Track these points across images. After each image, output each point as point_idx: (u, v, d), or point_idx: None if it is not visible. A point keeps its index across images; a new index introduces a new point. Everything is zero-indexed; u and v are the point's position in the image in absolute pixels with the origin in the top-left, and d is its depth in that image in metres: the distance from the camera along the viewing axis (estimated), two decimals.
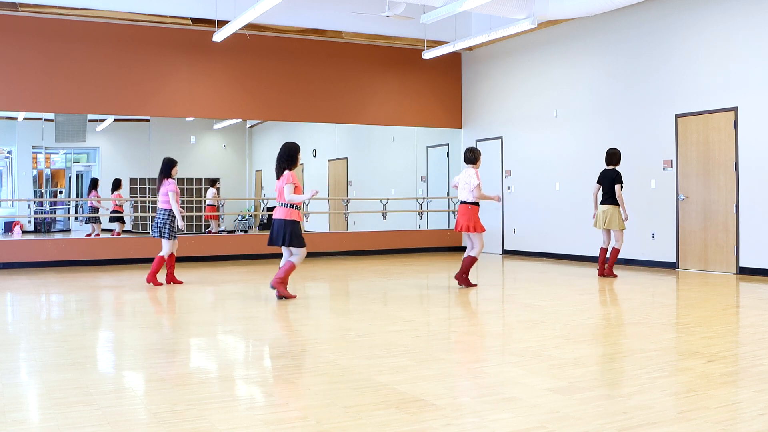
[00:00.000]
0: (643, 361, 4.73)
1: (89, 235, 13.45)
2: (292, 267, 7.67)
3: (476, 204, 8.70)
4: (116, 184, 13.77)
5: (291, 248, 7.63)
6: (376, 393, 3.98)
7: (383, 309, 7.31)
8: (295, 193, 7.50)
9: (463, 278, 8.72)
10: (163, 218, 9.02)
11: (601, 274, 9.83)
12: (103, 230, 13.86)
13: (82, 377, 4.41)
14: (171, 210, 9.01)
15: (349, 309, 7.44)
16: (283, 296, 7.69)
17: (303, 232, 7.80)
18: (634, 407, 3.66)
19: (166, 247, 9.07)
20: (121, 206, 13.86)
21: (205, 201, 14.95)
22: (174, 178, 9.13)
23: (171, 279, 9.29)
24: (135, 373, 4.67)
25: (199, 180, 15.40)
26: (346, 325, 6.36)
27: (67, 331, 6.20)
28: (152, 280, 9.13)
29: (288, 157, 7.62)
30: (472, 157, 8.81)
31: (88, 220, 13.77)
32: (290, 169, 7.59)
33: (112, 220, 13.87)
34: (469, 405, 3.76)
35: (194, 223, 15.22)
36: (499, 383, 4.18)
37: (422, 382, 4.24)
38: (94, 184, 14.21)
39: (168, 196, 8.99)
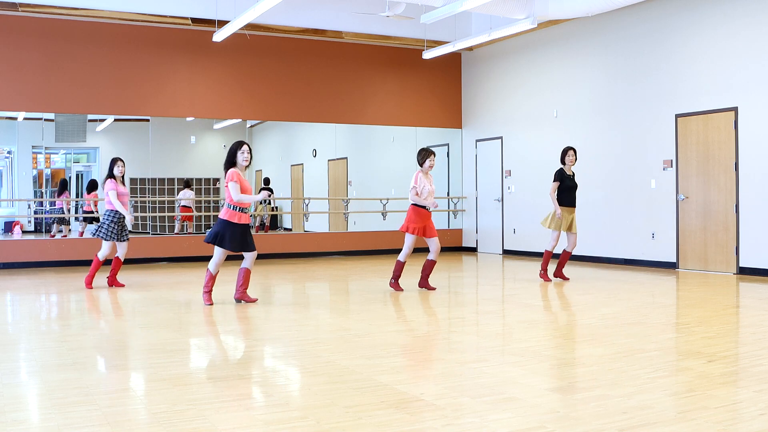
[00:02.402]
0: (643, 361, 4.73)
1: (53, 236, 13.24)
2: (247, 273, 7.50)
3: (413, 205, 8.39)
4: (92, 186, 13.72)
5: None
6: (376, 393, 3.98)
7: (383, 309, 7.31)
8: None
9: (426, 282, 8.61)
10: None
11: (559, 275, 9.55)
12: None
13: (82, 377, 4.41)
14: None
15: (349, 309, 7.44)
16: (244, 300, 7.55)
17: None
18: (634, 407, 3.66)
19: (109, 249, 8.90)
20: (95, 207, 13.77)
21: (179, 202, 14.81)
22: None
23: (108, 282, 9.06)
24: (135, 373, 4.67)
25: (199, 180, 15.40)
26: (346, 325, 6.36)
27: (67, 331, 6.20)
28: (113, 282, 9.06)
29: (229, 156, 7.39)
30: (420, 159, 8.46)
31: (57, 221, 13.67)
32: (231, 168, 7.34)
33: (85, 220, 13.79)
34: (469, 405, 3.76)
35: (203, 224, 15.22)
36: (499, 383, 4.18)
37: (422, 382, 4.24)
38: (64, 185, 14.18)
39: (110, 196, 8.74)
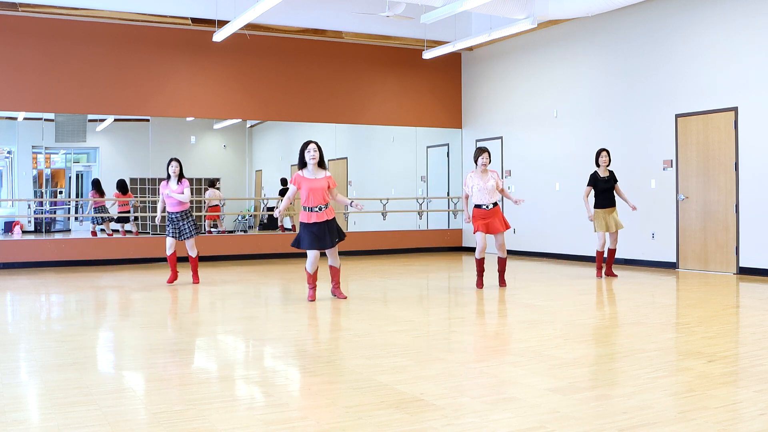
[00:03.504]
0: (643, 361, 4.73)
1: (111, 234, 13.59)
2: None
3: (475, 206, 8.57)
4: (124, 186, 13.85)
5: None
6: (376, 393, 3.98)
7: (383, 309, 7.31)
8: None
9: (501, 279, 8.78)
10: None
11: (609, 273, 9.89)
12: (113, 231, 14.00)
13: (82, 377, 4.41)
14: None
15: (349, 309, 7.44)
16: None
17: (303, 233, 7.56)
18: (634, 407, 3.66)
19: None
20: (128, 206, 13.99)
21: (206, 202, 14.88)
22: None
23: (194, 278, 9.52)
24: (135, 373, 4.67)
25: (199, 180, 15.39)
26: (346, 325, 6.36)
27: (67, 331, 6.20)
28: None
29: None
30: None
31: (111, 220, 13.93)
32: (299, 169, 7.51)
33: (120, 220, 13.96)
34: (469, 405, 3.76)
35: (202, 223, 15.24)
36: (499, 383, 4.18)
37: (422, 382, 4.24)
38: (99, 185, 14.27)
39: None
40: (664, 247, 10.95)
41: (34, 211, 13.68)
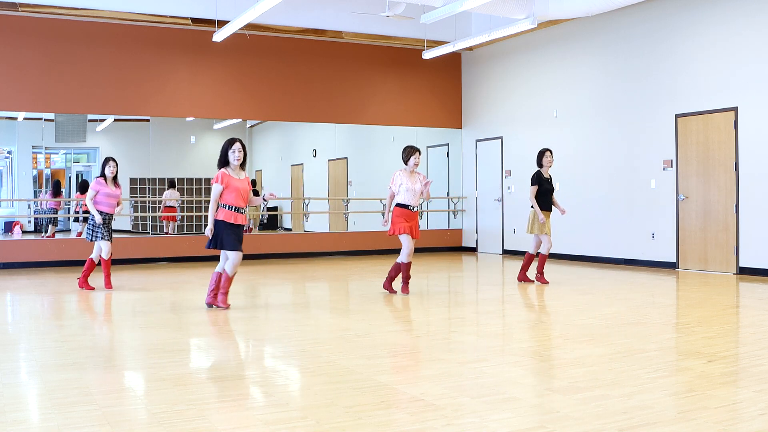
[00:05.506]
0: (643, 361, 4.73)
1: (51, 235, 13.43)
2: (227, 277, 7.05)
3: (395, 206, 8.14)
4: (84, 187, 13.76)
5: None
6: (376, 393, 3.98)
7: (383, 309, 7.31)
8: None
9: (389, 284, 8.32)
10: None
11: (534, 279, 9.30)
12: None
13: (82, 377, 4.41)
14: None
15: (349, 309, 7.44)
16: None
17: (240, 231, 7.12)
18: (634, 407, 3.66)
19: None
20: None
21: (164, 202, 14.50)
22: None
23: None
24: (135, 373, 4.67)
25: (199, 180, 15.40)
26: (346, 325, 6.36)
27: (67, 331, 6.20)
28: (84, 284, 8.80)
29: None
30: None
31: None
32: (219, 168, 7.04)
33: (85, 220, 13.88)
34: (469, 405, 3.76)
35: (201, 224, 15.22)
36: (499, 383, 4.18)
37: (422, 382, 4.24)
38: (57, 186, 14.18)
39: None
40: (664, 247, 10.95)
41: (34, 211, 13.68)
